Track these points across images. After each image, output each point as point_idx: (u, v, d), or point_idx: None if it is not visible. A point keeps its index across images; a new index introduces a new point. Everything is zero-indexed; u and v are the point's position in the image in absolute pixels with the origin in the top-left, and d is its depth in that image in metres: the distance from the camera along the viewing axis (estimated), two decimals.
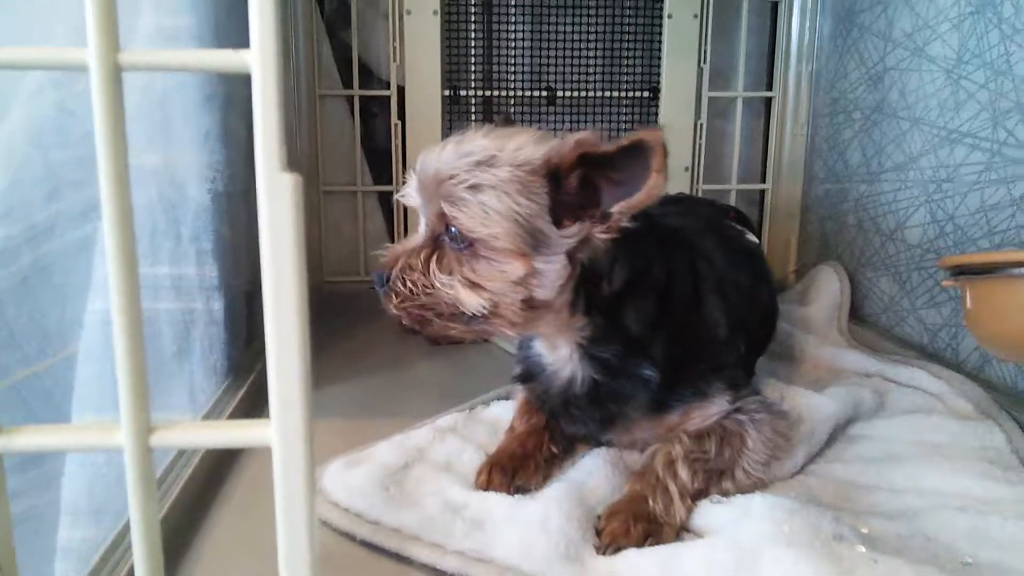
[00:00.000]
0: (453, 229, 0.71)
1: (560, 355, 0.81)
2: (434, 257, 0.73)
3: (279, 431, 0.38)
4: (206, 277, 1.01)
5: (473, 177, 0.69)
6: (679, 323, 0.80)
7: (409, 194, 0.76)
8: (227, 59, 0.36)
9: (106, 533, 0.90)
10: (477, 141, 0.72)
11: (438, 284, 0.73)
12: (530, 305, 0.73)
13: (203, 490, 0.80)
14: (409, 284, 0.73)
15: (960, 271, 0.75)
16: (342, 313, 1.52)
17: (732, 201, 1.62)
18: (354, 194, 1.59)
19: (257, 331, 1.20)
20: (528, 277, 0.71)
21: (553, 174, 0.70)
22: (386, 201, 1.63)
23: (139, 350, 0.36)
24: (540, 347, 0.84)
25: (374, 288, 0.78)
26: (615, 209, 0.69)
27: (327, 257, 1.60)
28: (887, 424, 0.94)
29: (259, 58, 0.35)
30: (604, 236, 0.71)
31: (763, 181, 1.67)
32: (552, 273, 0.72)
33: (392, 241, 1.63)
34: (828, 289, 1.39)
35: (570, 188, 0.70)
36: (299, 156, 1.51)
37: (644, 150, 0.64)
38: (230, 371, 1.04)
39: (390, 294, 0.75)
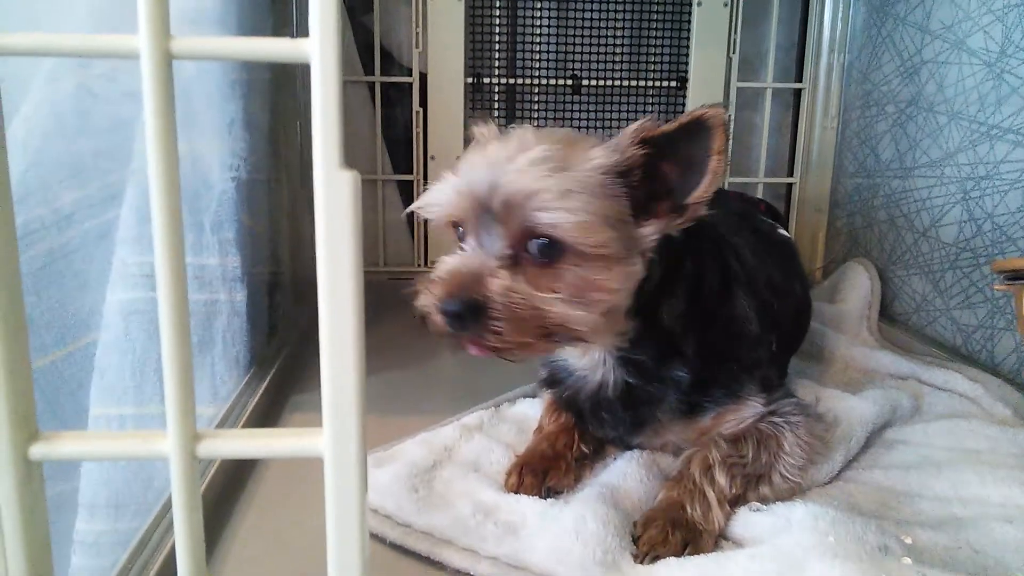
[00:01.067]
0: (540, 242, 0.65)
1: (591, 360, 0.78)
2: (521, 276, 0.67)
3: (332, 441, 0.36)
4: (229, 267, 0.99)
5: (562, 183, 0.64)
6: (709, 321, 0.78)
7: (446, 207, 0.70)
8: (284, 48, 0.34)
9: (124, 527, 0.89)
10: (541, 146, 0.67)
11: (543, 304, 0.66)
12: (608, 312, 0.69)
13: (228, 486, 0.79)
14: (516, 309, 0.65)
15: (1016, 276, 0.73)
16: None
17: (759, 195, 1.60)
18: (374, 183, 1.57)
19: (278, 323, 1.18)
20: (622, 284, 0.68)
21: (623, 170, 0.67)
22: (406, 190, 1.60)
23: (187, 358, 0.34)
24: (565, 352, 0.81)
25: (420, 305, 0.68)
26: (690, 200, 0.66)
27: None
28: (924, 429, 0.92)
29: (319, 48, 0.33)
30: (681, 227, 0.69)
31: (791, 175, 1.64)
32: (634, 277, 0.69)
33: (412, 231, 1.61)
34: (858, 287, 1.36)
35: (635, 180, 0.67)
36: None
37: (705, 130, 0.62)
38: (252, 363, 1.02)
39: (490, 323, 0.65)
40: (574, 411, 0.83)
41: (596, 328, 0.69)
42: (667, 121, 0.66)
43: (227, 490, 0.78)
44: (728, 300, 0.80)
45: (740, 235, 0.91)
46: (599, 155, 0.66)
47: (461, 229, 0.71)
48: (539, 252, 0.66)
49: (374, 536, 0.71)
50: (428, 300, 0.68)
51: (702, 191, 0.65)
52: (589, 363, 0.79)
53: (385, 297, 1.54)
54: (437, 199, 0.70)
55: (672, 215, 0.68)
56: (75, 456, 0.35)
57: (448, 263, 0.69)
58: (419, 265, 1.60)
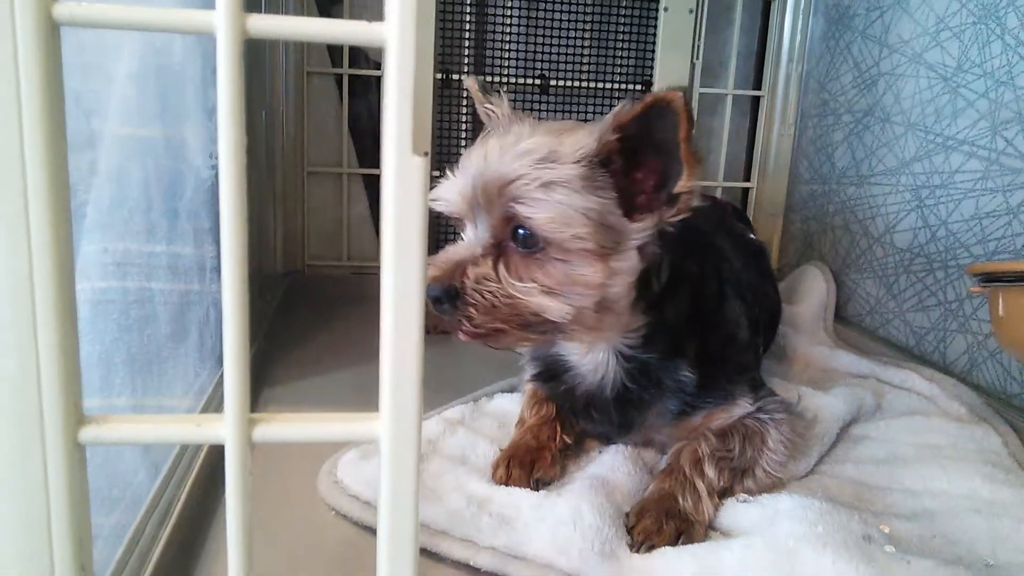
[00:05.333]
0: (523, 232, 0.67)
1: (595, 358, 0.79)
2: (501, 264, 0.69)
3: (390, 425, 0.36)
4: (205, 257, 0.97)
5: (543, 175, 0.66)
6: (707, 324, 0.80)
7: (449, 199, 0.71)
8: (359, 31, 0.34)
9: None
10: (532, 138, 0.68)
11: (518, 293, 0.68)
12: (601, 307, 0.70)
13: (213, 481, 0.77)
14: (488, 296, 0.68)
15: (991, 278, 0.76)
16: (325, 298, 1.48)
17: None
18: (339, 176, 1.56)
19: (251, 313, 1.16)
20: (607, 279, 0.68)
21: (604, 159, 0.67)
22: (371, 184, 1.59)
23: (244, 344, 0.34)
24: (568, 347, 0.82)
25: (438, 303, 0.68)
26: (677, 189, 0.67)
27: (309, 240, 1.56)
28: (888, 425, 0.96)
29: (397, 32, 0.33)
30: (675, 219, 0.70)
31: (747, 180, 1.68)
32: (626, 272, 0.70)
33: (376, 227, 1.59)
34: (815, 289, 1.41)
35: (616, 167, 0.67)
36: (284, 135, 1.47)
37: (669, 114, 0.62)
38: None
39: (464, 309, 0.68)
40: (564, 405, 0.84)
41: (582, 322, 0.70)
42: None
43: (217, 474, 0.76)
44: (722, 304, 0.82)
45: (721, 238, 0.93)
46: (583, 145, 0.67)
47: (463, 221, 0.73)
48: (523, 242, 0.68)
49: (368, 528, 0.71)
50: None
51: (684, 180, 0.66)
52: (592, 362, 0.79)
53: (350, 291, 1.53)
54: (442, 194, 0.72)
55: (663, 208, 0.69)
56: (125, 440, 0.34)
57: (445, 251, 0.72)
58: None
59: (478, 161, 0.69)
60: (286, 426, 0.36)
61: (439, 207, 0.73)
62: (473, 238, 0.71)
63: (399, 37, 0.32)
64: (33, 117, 0.31)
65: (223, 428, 0.35)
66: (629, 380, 0.78)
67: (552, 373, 0.84)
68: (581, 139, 0.68)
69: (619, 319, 0.74)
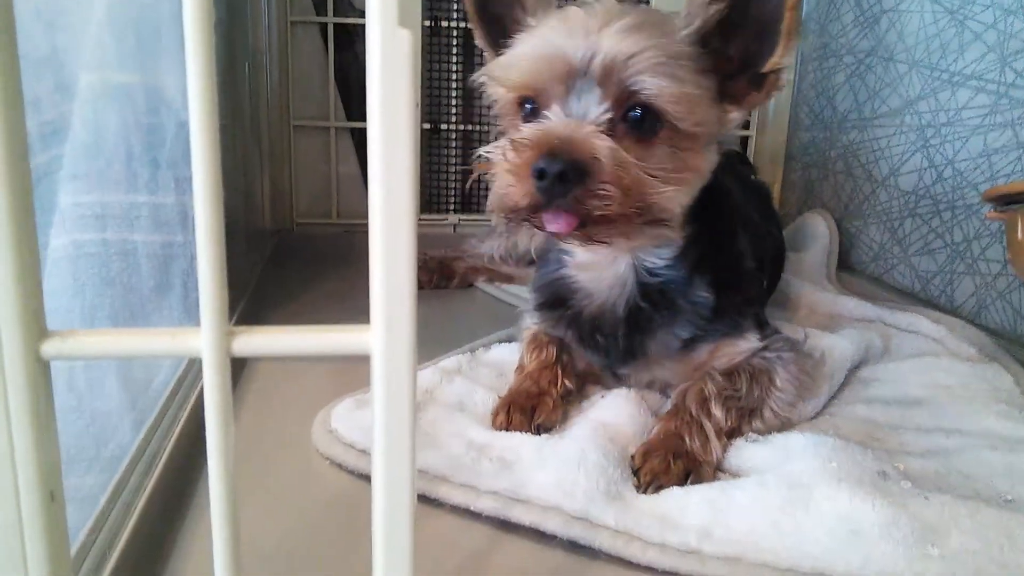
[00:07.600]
0: (636, 113, 0.61)
1: (614, 272, 0.74)
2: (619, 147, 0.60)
3: (383, 335, 0.33)
4: (188, 207, 0.94)
5: (666, 50, 0.60)
6: (719, 249, 0.76)
7: (525, 73, 0.63)
8: None
9: (75, 482, 0.84)
10: (632, 14, 0.62)
11: (646, 176, 0.60)
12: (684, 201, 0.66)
13: (199, 438, 0.75)
14: (622, 175, 0.59)
15: (1010, 200, 0.73)
16: (314, 257, 1.44)
17: None
18: (326, 130, 1.51)
19: (232, 268, 1.13)
20: (709, 169, 0.65)
21: (704, 37, 0.62)
22: (360, 139, 1.55)
23: (220, 251, 0.31)
24: (579, 266, 0.77)
25: (541, 200, 0.59)
26: (766, 67, 0.62)
27: (298, 197, 1.52)
28: (897, 367, 0.93)
29: None
30: (763, 101, 0.66)
31: (746, 128, 1.64)
32: (712, 164, 0.66)
33: (366, 184, 1.55)
34: (818, 236, 1.38)
35: (715, 46, 0.63)
36: (268, 87, 1.43)
37: None
38: None
39: (597, 190, 0.58)
40: (568, 335, 0.80)
41: (679, 216, 0.65)
42: None
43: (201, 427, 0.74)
44: (733, 233, 0.79)
45: (725, 176, 0.90)
46: (683, 24, 0.62)
47: (530, 106, 0.65)
48: (635, 125, 0.61)
49: (363, 476, 0.68)
50: (511, 164, 0.61)
51: (778, 56, 0.62)
52: (611, 276, 0.74)
53: (340, 250, 1.49)
54: (516, 63, 0.64)
55: (751, 93, 0.65)
56: (92, 354, 0.31)
57: (535, 128, 0.62)
58: None
59: (576, 33, 0.61)
60: (268, 337, 0.33)
61: (508, 81, 0.64)
62: (564, 116, 0.62)
63: None
64: None
65: (199, 340, 0.32)
66: (643, 299, 0.74)
67: (559, 298, 0.80)
68: (673, 18, 0.63)
69: (675, 221, 0.68)
